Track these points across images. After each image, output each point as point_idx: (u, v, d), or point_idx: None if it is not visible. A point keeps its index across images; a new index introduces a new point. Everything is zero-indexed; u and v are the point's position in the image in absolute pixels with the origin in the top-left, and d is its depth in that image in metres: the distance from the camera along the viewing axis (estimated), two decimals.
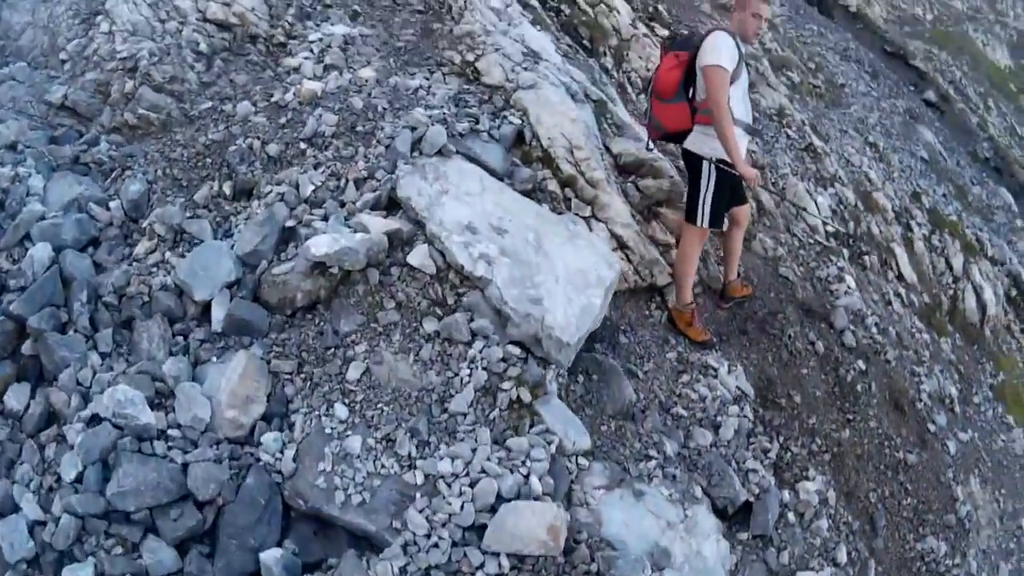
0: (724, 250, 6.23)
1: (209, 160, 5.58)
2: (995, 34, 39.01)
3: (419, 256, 4.62)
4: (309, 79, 6.16)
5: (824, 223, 8.08)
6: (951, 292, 9.55)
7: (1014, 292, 10.96)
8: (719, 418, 5.16)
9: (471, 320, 4.46)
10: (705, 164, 5.33)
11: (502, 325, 4.49)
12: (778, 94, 10.62)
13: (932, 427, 7.16)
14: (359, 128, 5.52)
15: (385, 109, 5.74)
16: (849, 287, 7.38)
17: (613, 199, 5.85)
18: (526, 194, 5.51)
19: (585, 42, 8.98)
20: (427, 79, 6.40)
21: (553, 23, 8.75)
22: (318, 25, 7.19)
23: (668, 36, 6.21)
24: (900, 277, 8.73)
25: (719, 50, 5.04)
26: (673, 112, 5.47)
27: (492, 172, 5.47)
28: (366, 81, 6.14)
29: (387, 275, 4.63)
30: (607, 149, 6.46)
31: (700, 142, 5.35)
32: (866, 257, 8.41)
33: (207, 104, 6.24)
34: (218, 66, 6.64)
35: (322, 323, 4.54)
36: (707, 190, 5.36)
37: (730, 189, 5.42)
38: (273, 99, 5.95)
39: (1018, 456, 8.50)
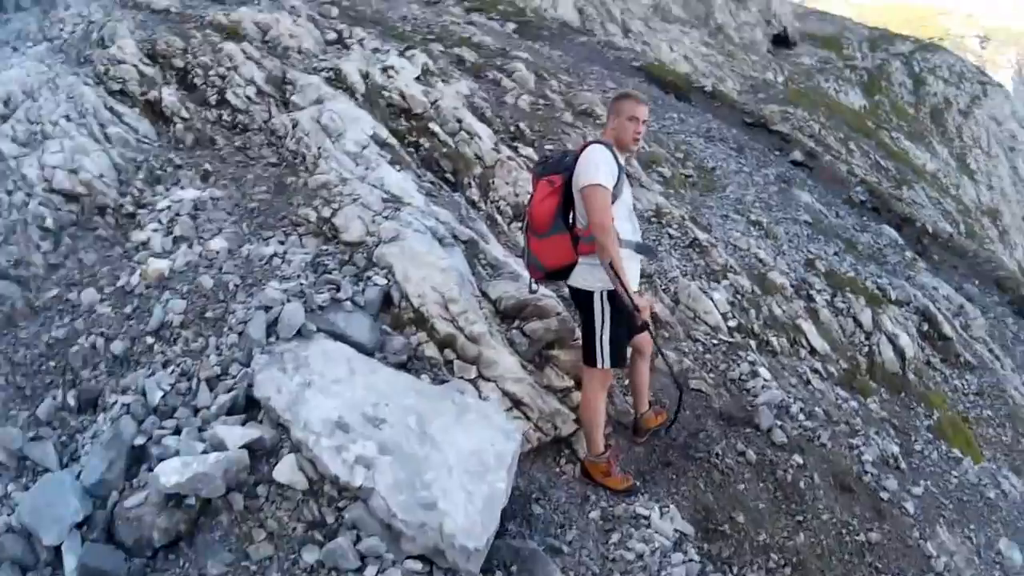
0: (631, 383, 5.93)
1: (52, 364, 5.29)
2: (846, 79, 41.51)
3: (286, 470, 4.15)
4: (157, 255, 5.96)
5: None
6: (866, 349, 9.62)
7: (926, 327, 11.15)
8: (663, 573, 4.85)
9: (357, 541, 3.96)
10: (596, 299, 4.88)
11: (395, 540, 3.99)
12: (653, 193, 10.81)
13: (885, 495, 7.01)
14: (209, 314, 5.27)
15: (237, 287, 5.53)
16: (765, 380, 7.32)
17: (499, 353, 5.57)
18: (402, 366, 5.23)
19: (448, 175, 8.95)
20: (282, 243, 6.25)
21: (413, 159, 8.76)
22: (168, 190, 7.08)
23: (539, 160, 5.80)
24: (813, 351, 8.74)
25: (596, 167, 4.70)
26: (553, 247, 5.02)
27: (361, 348, 5.16)
28: (217, 253, 5.96)
29: (253, 498, 4.14)
30: (484, 295, 6.23)
31: (587, 275, 4.89)
32: (774, 341, 8.41)
33: (53, 292, 5.98)
34: (66, 244, 6.42)
35: (187, 564, 4.02)
36: (603, 328, 4.91)
37: (629, 320, 4.99)
38: (119, 283, 5.71)
39: (975, 485, 8.41)
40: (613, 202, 4.77)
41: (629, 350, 5.36)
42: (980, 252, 19.06)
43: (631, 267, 4.94)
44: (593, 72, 18.13)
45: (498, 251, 7.19)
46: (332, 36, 11.73)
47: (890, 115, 39.88)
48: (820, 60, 43.41)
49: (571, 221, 5.02)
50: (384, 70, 10.12)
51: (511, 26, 21.05)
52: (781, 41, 44.13)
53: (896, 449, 7.93)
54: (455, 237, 6.71)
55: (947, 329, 11.15)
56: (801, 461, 6.53)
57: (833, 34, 48.06)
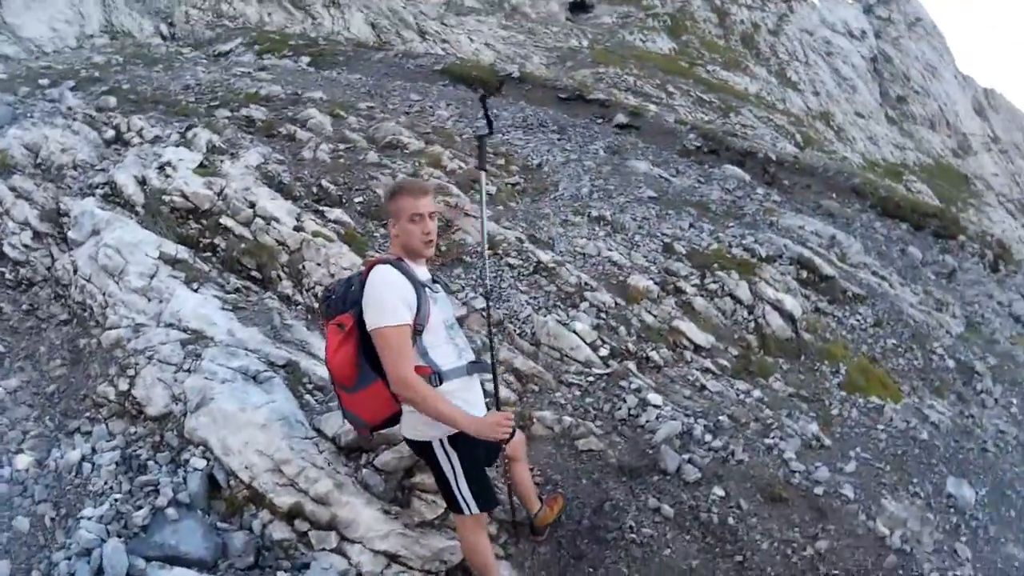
0: (515, 491, 5.07)
1: None
2: (650, 28, 42.51)
3: None
4: None
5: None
6: (752, 324, 9.17)
7: (804, 274, 10.88)
8: None
9: None
10: (438, 449, 4.13)
11: None
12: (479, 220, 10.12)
13: (819, 489, 6.49)
14: (35, 573, 4.69)
15: (54, 520, 5.01)
16: (657, 407, 6.73)
17: (355, 508, 4.90)
18: (254, 566, 4.60)
19: (254, 273, 8.19)
20: (89, 435, 5.76)
21: (212, 266, 8.01)
22: None
23: (322, 297, 4.86)
24: (698, 349, 8.20)
25: (379, 304, 3.82)
26: (367, 400, 4.13)
27: (202, 564, 4.53)
28: (26, 472, 5.41)
29: None
30: (320, 432, 5.49)
31: (419, 425, 4.11)
32: (654, 354, 7.83)
33: None
34: None
35: None
36: (456, 475, 4.16)
37: (484, 452, 4.30)
38: None
39: (904, 431, 8.09)
40: (419, 333, 3.93)
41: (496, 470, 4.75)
42: (829, 165, 19.34)
43: (469, 397, 4.11)
44: (395, 89, 17.54)
45: (323, 370, 6.41)
46: (110, 134, 11.00)
47: (701, 51, 41.06)
48: (620, 16, 44.47)
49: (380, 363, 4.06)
50: (161, 168, 9.27)
51: (306, 59, 20.49)
52: (578, 7, 45.03)
53: (815, 428, 7.47)
54: (271, 364, 6.05)
55: (827, 269, 10.90)
56: (722, 492, 5.94)
57: None
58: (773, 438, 6.91)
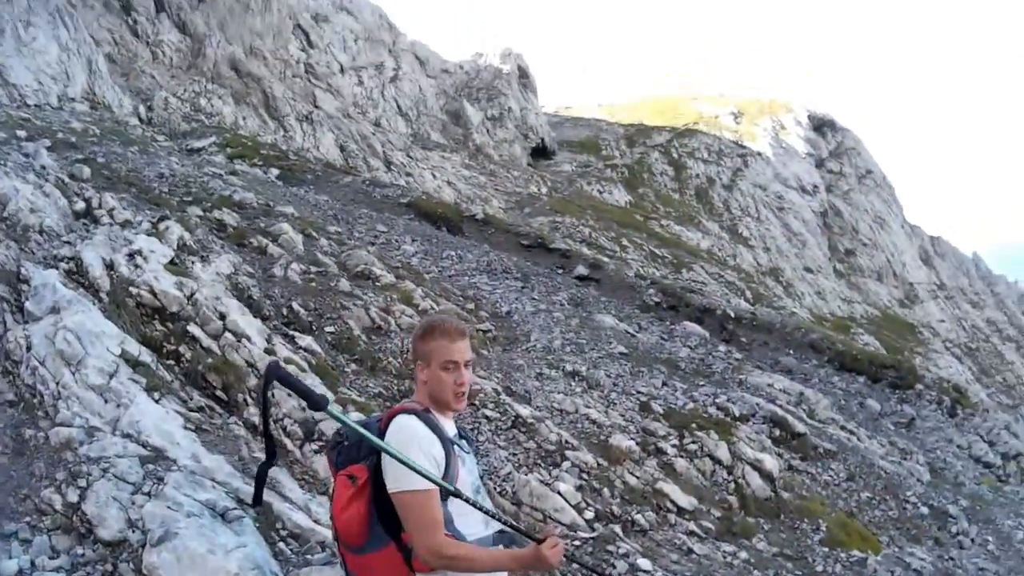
0: None
1: None
2: (607, 178, 43.99)
3: None
4: None
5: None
6: (733, 485, 9.19)
7: (777, 432, 11.04)
8: None
9: None
10: None
11: None
12: None
13: None
14: None
15: None
16: (648, 572, 6.63)
17: None
18: None
19: (219, 392, 7.59)
20: (29, 545, 5.09)
21: (176, 377, 7.46)
22: None
23: (331, 442, 3.85)
24: (682, 512, 8.17)
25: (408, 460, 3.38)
26: (378, 565, 3.51)
27: None
28: None
29: None
30: None
31: None
32: (639, 517, 7.77)
33: None
34: None
35: None
36: None
37: None
38: None
39: None
40: (447, 497, 3.41)
41: None
42: (786, 321, 19.84)
43: (499, 561, 3.81)
44: (362, 216, 17.74)
45: (301, 518, 6.04)
46: (80, 206, 10.64)
47: (656, 204, 42.49)
48: (580, 165, 46.01)
49: (396, 524, 3.52)
50: (131, 256, 8.67)
51: (275, 171, 20.71)
52: (540, 152, 46.45)
53: None
54: (240, 502, 5.55)
55: (799, 426, 11.09)
56: None
57: (590, 137, 51.33)
58: None
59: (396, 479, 3.28)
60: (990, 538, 10.44)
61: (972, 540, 10.23)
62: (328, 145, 29.69)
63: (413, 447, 3.30)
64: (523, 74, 50.27)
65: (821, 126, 59.18)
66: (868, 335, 35.00)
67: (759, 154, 52.06)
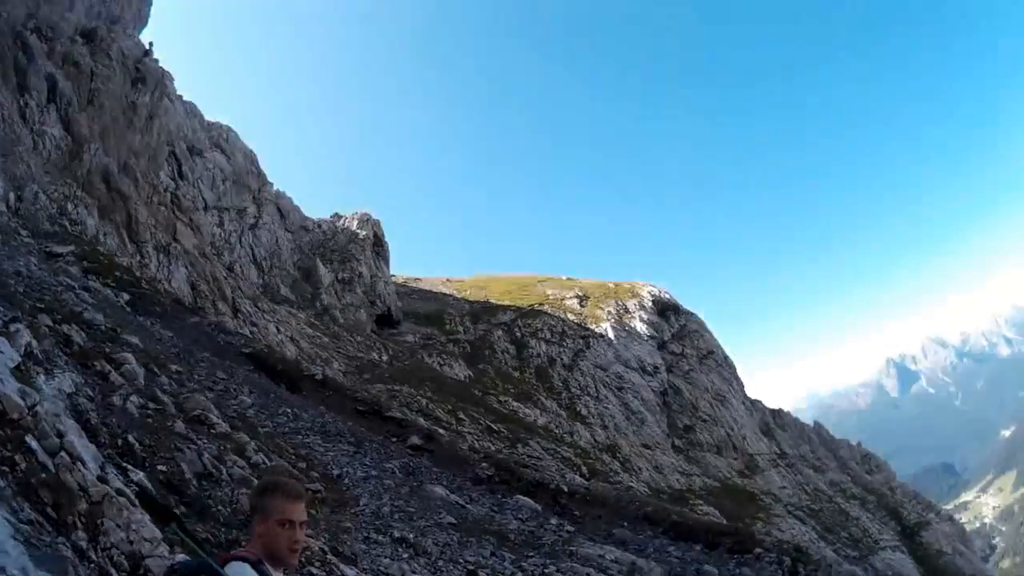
0: None
1: None
2: (449, 352, 44.73)
3: None
4: None
5: None
6: None
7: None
8: None
9: None
10: None
11: None
12: None
13: None
14: None
15: None
16: None
17: None
18: None
19: (50, 510, 7.34)
20: None
21: (8, 485, 7.08)
22: None
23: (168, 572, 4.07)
24: None
25: None
26: None
27: None
28: None
29: None
30: None
31: None
32: None
33: None
34: None
35: None
36: None
37: None
38: None
39: None
40: None
41: None
42: (621, 496, 20.35)
43: None
44: (204, 360, 17.48)
45: None
46: None
47: (496, 380, 43.30)
48: (423, 337, 46.67)
49: None
50: None
51: (126, 296, 20.41)
52: (385, 320, 46.93)
53: None
54: None
55: None
56: None
57: (436, 310, 52.46)
58: None
59: None
60: None
61: None
62: (180, 280, 29.64)
63: None
64: (378, 241, 51.43)
65: (665, 310, 62.47)
66: (707, 505, 36.15)
67: (602, 336, 54.21)
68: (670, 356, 57.80)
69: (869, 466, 66.83)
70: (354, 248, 48.20)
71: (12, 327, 10.21)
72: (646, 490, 36.06)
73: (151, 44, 37.36)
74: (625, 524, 17.16)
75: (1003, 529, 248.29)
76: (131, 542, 7.38)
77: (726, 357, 63.06)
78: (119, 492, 7.95)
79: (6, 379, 8.43)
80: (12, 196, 24.46)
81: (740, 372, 63.50)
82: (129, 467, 9.07)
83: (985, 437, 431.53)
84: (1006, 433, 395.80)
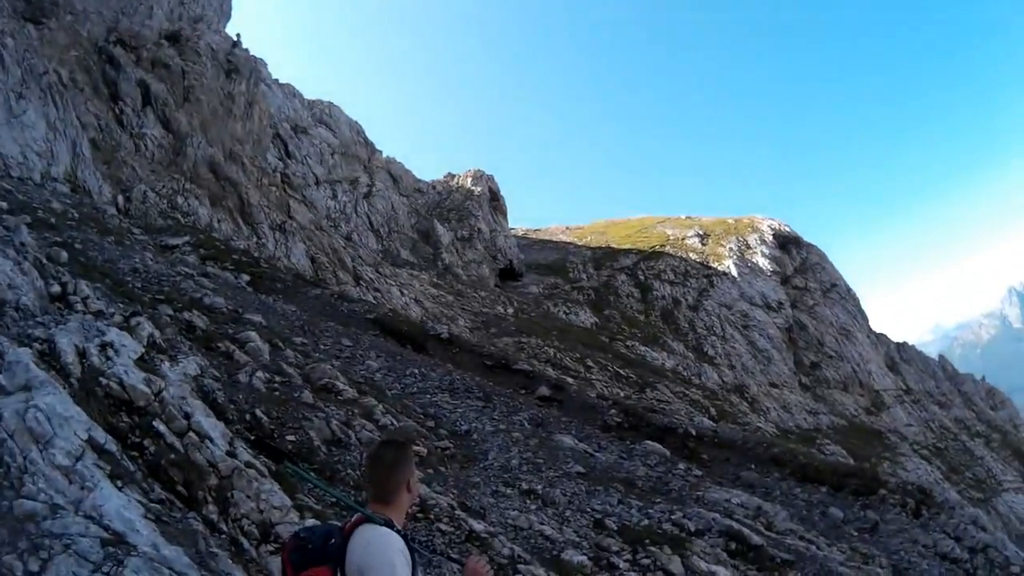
0: None
1: None
2: (574, 300, 44.81)
3: None
4: None
5: None
6: None
7: (734, 545, 11.16)
8: None
9: None
10: None
11: None
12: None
13: None
14: None
15: None
16: None
17: None
18: None
19: (180, 488, 7.72)
20: None
21: (139, 468, 7.51)
22: None
23: (292, 542, 3.85)
24: None
25: (392, 565, 3.58)
26: None
27: None
28: None
29: None
30: None
31: None
32: None
33: None
34: None
35: None
36: None
37: None
38: None
39: None
40: None
41: None
42: (748, 437, 20.08)
43: None
44: (328, 330, 17.93)
45: None
46: (56, 289, 10.74)
47: (622, 325, 43.17)
48: (547, 287, 46.87)
49: None
50: (103, 348, 8.79)
51: (245, 278, 20.97)
52: (508, 274, 47.23)
53: None
54: None
55: (755, 539, 11.21)
56: None
57: (557, 260, 52.56)
58: None
59: None
60: None
61: None
62: (299, 255, 30.17)
63: (394, 553, 3.63)
64: (494, 196, 51.60)
65: (786, 243, 60.74)
66: (834, 444, 35.36)
67: (725, 274, 53.18)
68: (793, 291, 56.34)
69: (993, 402, 63.78)
70: (470, 205, 48.53)
71: (133, 320, 10.61)
72: (774, 430, 35.39)
73: (238, 35, 38.21)
74: (753, 467, 16.94)
75: None
76: (261, 511, 7.73)
77: (849, 289, 60.95)
78: (248, 465, 8.31)
79: (130, 370, 8.85)
80: (121, 199, 25.38)
81: (863, 305, 61.40)
82: (258, 451, 9.41)
83: None
84: None
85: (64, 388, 7.89)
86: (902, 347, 61.92)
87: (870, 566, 12.44)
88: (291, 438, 10.17)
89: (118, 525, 6.05)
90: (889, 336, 62.57)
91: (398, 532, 3.73)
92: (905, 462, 39.16)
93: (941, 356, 68.05)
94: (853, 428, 44.43)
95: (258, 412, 10.32)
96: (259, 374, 11.71)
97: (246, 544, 7.50)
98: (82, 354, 8.78)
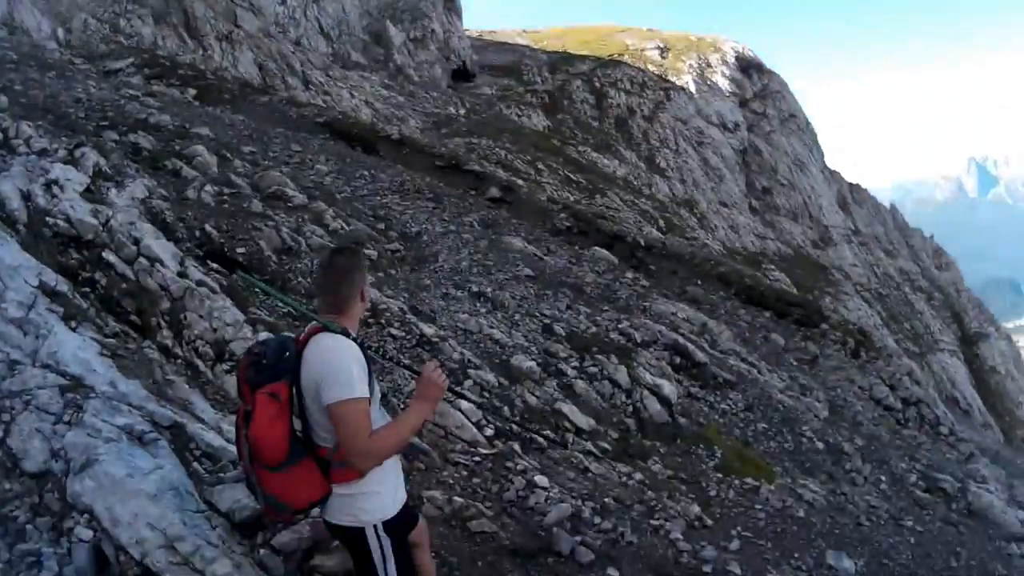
0: None
1: None
2: (527, 103, 43.89)
3: None
4: None
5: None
6: (631, 408, 9.50)
7: (678, 359, 11.39)
8: None
9: None
10: (371, 535, 3.80)
11: None
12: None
13: (707, 567, 6.73)
14: None
15: None
16: (545, 489, 6.86)
17: None
18: None
19: (134, 317, 7.70)
20: None
21: (92, 304, 7.48)
22: None
23: (247, 359, 3.80)
24: (580, 432, 8.42)
25: (348, 373, 3.52)
26: (296, 481, 3.77)
27: None
28: None
29: None
30: (211, 505, 5.21)
31: (351, 508, 3.79)
32: (538, 436, 7.99)
33: None
34: None
35: None
36: (386, 564, 3.84)
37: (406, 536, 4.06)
38: None
39: (781, 510, 8.51)
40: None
41: None
42: (696, 253, 20.29)
43: (398, 471, 3.96)
44: (277, 136, 17.61)
45: (210, 436, 6.11)
46: None
47: (575, 131, 42.65)
48: (500, 88, 45.82)
49: (311, 439, 3.82)
50: (48, 186, 8.64)
51: (192, 92, 20.63)
52: (461, 75, 46.07)
53: (696, 509, 7.79)
54: (156, 425, 5.60)
55: (699, 355, 11.44)
56: (616, 573, 6.08)
57: (513, 62, 51.20)
58: (659, 519, 7.16)
59: (339, 388, 3.50)
60: (883, 478, 10.95)
61: (865, 478, 10.70)
62: (247, 64, 29.27)
63: (352, 365, 3.55)
64: None
65: (748, 67, 59.78)
66: (779, 271, 36.14)
67: (683, 89, 52.43)
68: (751, 115, 55.65)
69: (939, 262, 65.06)
70: (424, 5, 46.56)
71: (78, 152, 10.31)
72: (721, 249, 35.88)
73: None
74: (699, 283, 17.17)
75: None
76: (214, 329, 7.71)
77: (808, 122, 60.51)
78: (199, 283, 8.19)
79: (76, 204, 8.65)
80: (61, 32, 24.39)
81: (821, 141, 61.23)
82: (208, 267, 9.18)
83: None
84: None
85: (12, 237, 7.67)
86: (855, 188, 62.52)
87: (807, 398, 12.84)
88: (241, 250, 10.00)
89: (75, 368, 5.98)
90: (843, 175, 62.94)
91: (353, 340, 3.64)
92: (847, 301, 40.21)
93: (893, 205, 68.94)
94: (799, 258, 45.27)
95: (208, 227, 10.09)
96: (208, 188, 11.45)
97: (201, 366, 7.55)
98: (27, 197, 8.55)
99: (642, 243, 18.32)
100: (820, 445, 11.02)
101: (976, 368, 52.24)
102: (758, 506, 8.41)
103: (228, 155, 13.68)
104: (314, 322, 3.71)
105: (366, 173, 16.97)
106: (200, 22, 29.52)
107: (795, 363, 15.01)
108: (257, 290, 8.27)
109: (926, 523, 9.76)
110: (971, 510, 10.89)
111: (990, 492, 11.56)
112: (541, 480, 7.00)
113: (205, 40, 29.10)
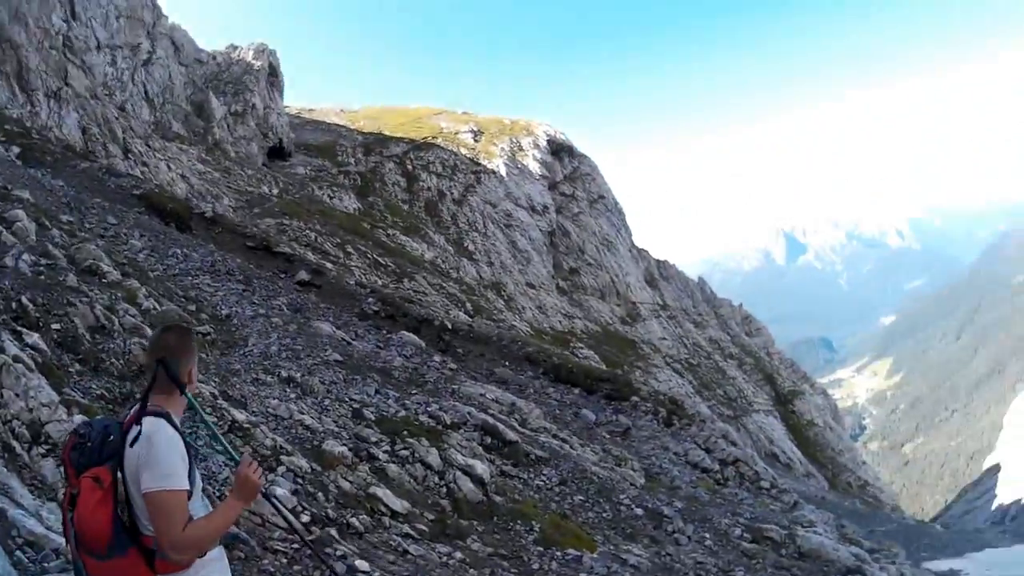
0: None
1: None
2: (340, 184, 44.05)
3: None
4: None
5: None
6: (444, 489, 9.63)
7: (489, 440, 11.64)
8: None
9: None
10: None
11: None
12: None
13: None
14: None
15: None
16: (367, 573, 6.87)
17: None
18: None
19: None
20: None
21: None
22: None
23: (72, 441, 3.56)
24: (395, 515, 8.47)
25: (170, 464, 3.45)
26: (123, 570, 3.56)
27: None
28: None
29: None
30: None
31: None
32: (355, 521, 7.97)
33: None
34: None
35: None
36: None
37: None
38: None
39: (606, 575, 8.84)
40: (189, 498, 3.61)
41: None
42: (503, 334, 20.78)
43: (224, 562, 3.80)
44: (94, 207, 17.16)
45: (32, 523, 5.76)
46: None
47: (385, 213, 42.99)
48: (314, 169, 45.75)
49: (135, 526, 3.63)
50: None
51: (16, 150, 20.08)
52: (277, 153, 45.74)
53: None
54: None
55: (510, 435, 11.73)
56: None
57: (328, 142, 51.23)
58: None
59: (159, 478, 3.41)
60: (707, 535, 11.47)
61: (688, 538, 11.16)
62: (71, 126, 28.32)
63: (174, 454, 3.46)
64: (273, 72, 49.74)
65: (559, 150, 62.13)
66: (588, 349, 37.30)
67: (493, 172, 53.80)
68: (560, 197, 57.90)
69: (749, 328, 69.05)
70: (248, 79, 46.23)
71: None
72: (529, 330, 36.89)
73: None
74: (507, 363, 17.64)
75: (874, 412, 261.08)
76: (31, 409, 7.33)
77: (616, 203, 63.55)
78: (15, 359, 7.78)
79: None
80: None
81: (630, 222, 64.31)
82: (24, 330, 8.83)
83: (866, 320, 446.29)
84: (886, 320, 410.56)
85: None
86: (662, 264, 65.62)
87: (623, 468, 13.34)
88: (56, 326, 9.58)
89: None
90: (652, 253, 65.96)
91: (174, 427, 3.55)
92: (657, 373, 41.88)
93: (700, 278, 72.65)
94: (608, 335, 46.85)
95: (24, 299, 9.64)
96: (25, 257, 11.06)
97: (18, 448, 7.11)
98: None
99: (449, 326, 18.65)
100: (639, 511, 11.45)
101: (793, 424, 55.15)
102: (583, 574, 8.71)
103: (47, 223, 13.28)
104: (137, 405, 3.60)
105: (179, 252, 16.67)
106: (32, 75, 28.44)
107: (608, 436, 15.55)
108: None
109: (756, 571, 10.32)
110: (801, 552, 11.51)
111: (819, 534, 12.23)
112: (362, 564, 7.00)
113: (35, 95, 28.05)
